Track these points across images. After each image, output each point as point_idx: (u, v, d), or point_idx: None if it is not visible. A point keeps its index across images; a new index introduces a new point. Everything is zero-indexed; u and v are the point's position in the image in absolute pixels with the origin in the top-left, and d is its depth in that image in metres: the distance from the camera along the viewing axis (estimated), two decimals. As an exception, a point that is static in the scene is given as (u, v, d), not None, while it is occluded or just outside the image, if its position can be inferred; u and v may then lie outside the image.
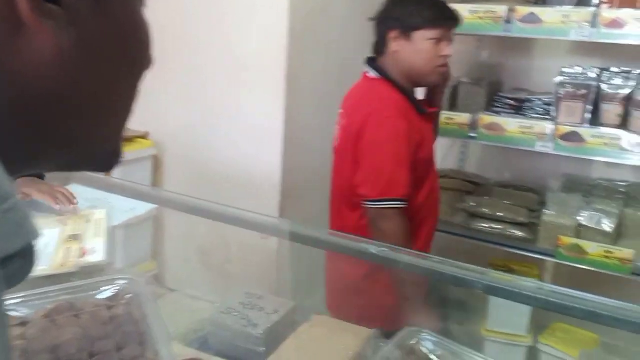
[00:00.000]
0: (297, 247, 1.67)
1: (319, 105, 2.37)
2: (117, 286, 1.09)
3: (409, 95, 1.70)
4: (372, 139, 1.61)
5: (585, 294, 1.05)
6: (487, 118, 2.33)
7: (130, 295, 1.07)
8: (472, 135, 2.36)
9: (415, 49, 1.64)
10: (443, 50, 1.65)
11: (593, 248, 2.10)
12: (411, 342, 1.15)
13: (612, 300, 1.02)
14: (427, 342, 1.15)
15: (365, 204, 1.63)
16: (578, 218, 2.20)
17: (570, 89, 2.24)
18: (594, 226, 2.16)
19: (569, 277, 2.48)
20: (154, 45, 0.47)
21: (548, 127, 2.20)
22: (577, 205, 2.25)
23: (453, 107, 2.55)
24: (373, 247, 1.19)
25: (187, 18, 2.27)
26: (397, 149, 1.60)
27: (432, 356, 1.12)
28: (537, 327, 2.40)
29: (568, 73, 2.30)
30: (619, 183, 2.42)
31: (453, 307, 2.74)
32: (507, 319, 2.32)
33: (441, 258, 1.19)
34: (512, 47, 2.58)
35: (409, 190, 1.61)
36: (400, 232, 1.60)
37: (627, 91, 2.18)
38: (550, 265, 2.54)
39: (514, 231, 2.31)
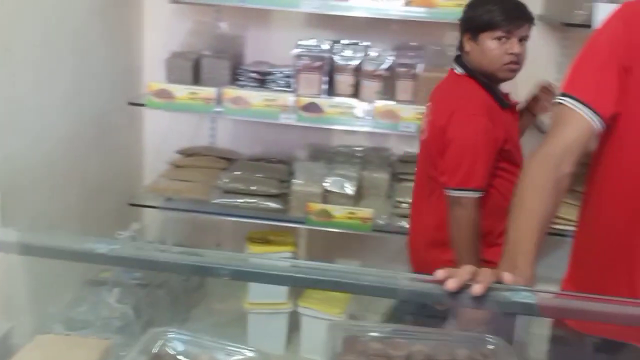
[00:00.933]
0: (19, 260, 1.39)
1: (45, 81, 2.03)
2: None
3: (491, 91, 1.79)
4: (454, 135, 1.73)
5: (331, 265, 1.05)
6: (231, 92, 2.27)
7: None
8: (218, 110, 2.29)
9: (481, 50, 1.75)
10: (510, 48, 1.73)
11: (338, 211, 2.23)
12: (156, 345, 1.03)
13: (356, 268, 1.03)
14: (175, 342, 1.04)
15: (445, 192, 1.77)
16: (323, 184, 2.31)
17: (306, 61, 2.30)
18: (337, 190, 2.29)
19: (322, 239, 2.63)
20: None
21: (290, 99, 2.24)
22: (322, 173, 2.36)
23: (197, 81, 2.44)
24: (102, 247, 1.02)
25: None
26: (476, 144, 1.72)
27: (180, 357, 1.01)
28: (296, 291, 2.48)
29: (304, 45, 2.37)
30: (356, 148, 2.62)
31: (214, 287, 2.70)
32: (266, 290, 2.35)
33: (186, 249, 1.06)
34: (251, 19, 2.56)
35: (483, 183, 1.73)
36: (471, 221, 1.73)
37: (356, 62, 2.33)
38: (304, 231, 2.64)
39: (267, 203, 2.33)
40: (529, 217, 1.09)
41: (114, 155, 2.59)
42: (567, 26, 2.09)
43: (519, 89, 2.47)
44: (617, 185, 1.22)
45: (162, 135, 2.74)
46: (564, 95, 1.23)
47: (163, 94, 2.31)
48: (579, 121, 1.18)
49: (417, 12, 2.03)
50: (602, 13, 1.95)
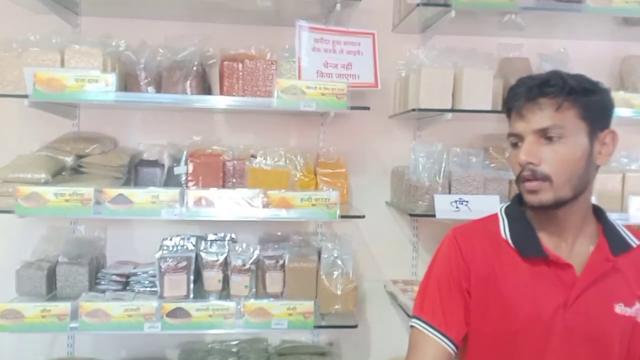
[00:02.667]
0: None
1: None
2: None
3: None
4: None
5: None
6: (88, 305, 2.11)
7: None
8: (73, 326, 2.10)
9: None
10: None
11: None
12: None
13: None
14: None
15: None
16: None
17: (171, 263, 2.24)
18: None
19: None
20: None
21: (154, 305, 2.13)
22: (194, 381, 2.21)
23: (52, 291, 2.26)
24: None
25: None
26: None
27: None
28: None
29: (167, 246, 2.32)
30: (231, 343, 2.51)
31: None
32: None
33: None
34: (110, 220, 2.48)
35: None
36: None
37: (222, 257, 2.31)
38: None
39: None
40: None
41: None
42: (413, 216, 2.26)
43: (381, 269, 2.60)
44: None
45: (12, 352, 2.45)
46: (415, 317, 1.30)
47: (10, 314, 2.09)
48: (433, 345, 1.25)
49: (276, 214, 2.10)
50: (441, 203, 2.16)
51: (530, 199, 1.21)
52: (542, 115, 1.18)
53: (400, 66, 2.39)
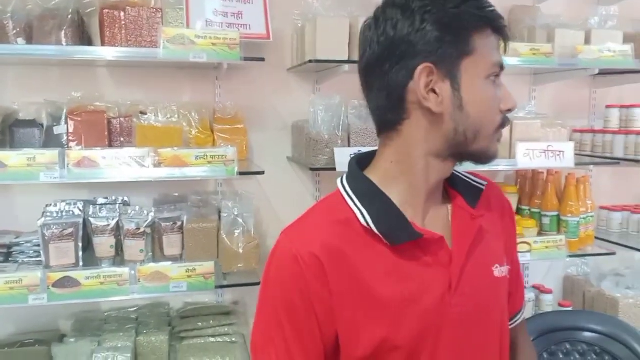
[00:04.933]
0: None
1: None
2: None
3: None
4: None
5: None
6: (-37, 279, 1.92)
7: None
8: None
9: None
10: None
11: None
12: None
13: None
14: None
15: None
16: (91, 367, 2.03)
17: (55, 230, 2.07)
18: (108, 371, 2.03)
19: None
20: None
21: (38, 276, 1.97)
22: (88, 352, 2.09)
23: None
24: None
25: None
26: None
27: None
28: None
29: (51, 212, 2.15)
30: (130, 310, 2.40)
31: None
32: None
33: None
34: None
35: None
36: None
37: (114, 222, 2.18)
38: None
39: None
40: None
41: None
42: (314, 170, 2.23)
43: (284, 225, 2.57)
44: None
45: None
46: None
47: None
48: None
49: (169, 173, 1.98)
50: (341, 156, 2.14)
51: (496, 150, 1.00)
52: None
53: (296, 16, 2.31)
